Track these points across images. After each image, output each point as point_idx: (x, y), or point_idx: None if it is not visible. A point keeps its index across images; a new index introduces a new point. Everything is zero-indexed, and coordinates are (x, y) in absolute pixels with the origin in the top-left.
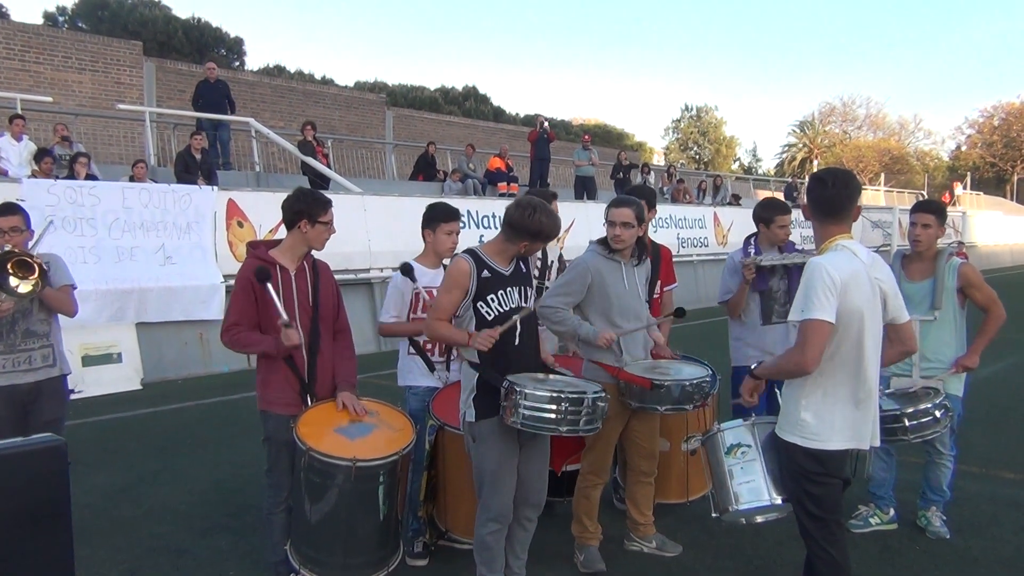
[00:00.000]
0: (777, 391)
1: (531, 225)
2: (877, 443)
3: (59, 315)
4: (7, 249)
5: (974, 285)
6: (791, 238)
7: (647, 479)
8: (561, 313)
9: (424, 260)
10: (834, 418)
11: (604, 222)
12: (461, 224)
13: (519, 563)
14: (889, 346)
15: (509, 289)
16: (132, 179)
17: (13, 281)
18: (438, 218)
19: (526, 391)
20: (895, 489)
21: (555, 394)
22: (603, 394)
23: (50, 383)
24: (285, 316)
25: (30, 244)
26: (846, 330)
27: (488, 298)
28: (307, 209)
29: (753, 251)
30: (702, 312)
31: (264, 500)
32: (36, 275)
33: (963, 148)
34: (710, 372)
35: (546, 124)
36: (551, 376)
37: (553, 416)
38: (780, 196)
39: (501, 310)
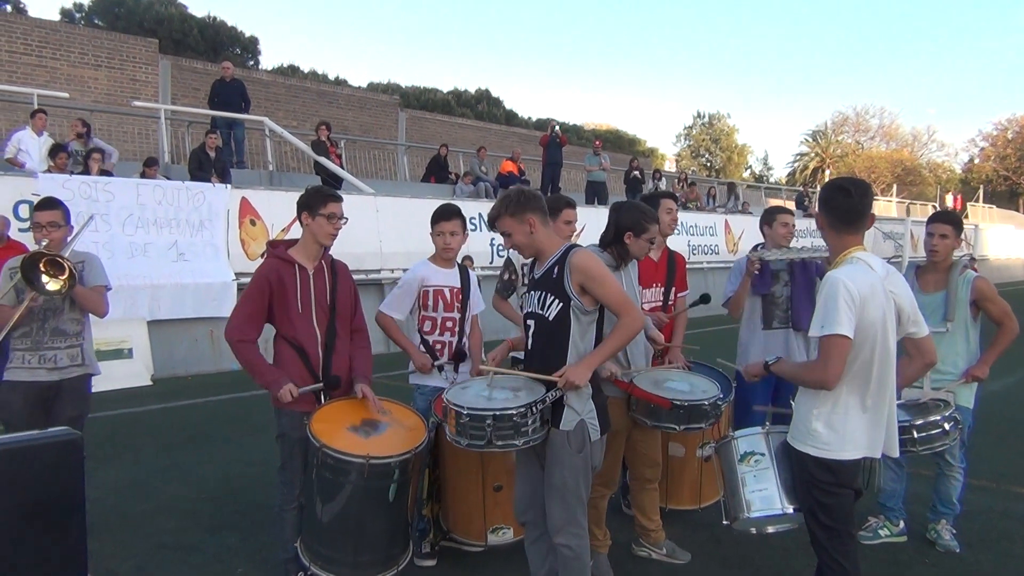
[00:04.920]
0: (791, 400)
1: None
2: (895, 453)
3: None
4: (42, 247)
5: (988, 298)
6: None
7: (651, 485)
8: None
9: (436, 260)
10: (846, 428)
11: (631, 231)
12: (471, 227)
13: None
14: (909, 361)
15: (533, 292)
16: (143, 176)
17: (43, 279)
18: (433, 219)
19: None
20: (905, 501)
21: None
22: (526, 408)
23: (72, 381)
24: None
25: (68, 239)
26: (862, 344)
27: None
28: (307, 201)
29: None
30: (711, 319)
31: (276, 497)
32: (66, 275)
33: (976, 161)
34: (720, 386)
35: (557, 128)
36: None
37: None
38: (791, 204)
39: (523, 312)
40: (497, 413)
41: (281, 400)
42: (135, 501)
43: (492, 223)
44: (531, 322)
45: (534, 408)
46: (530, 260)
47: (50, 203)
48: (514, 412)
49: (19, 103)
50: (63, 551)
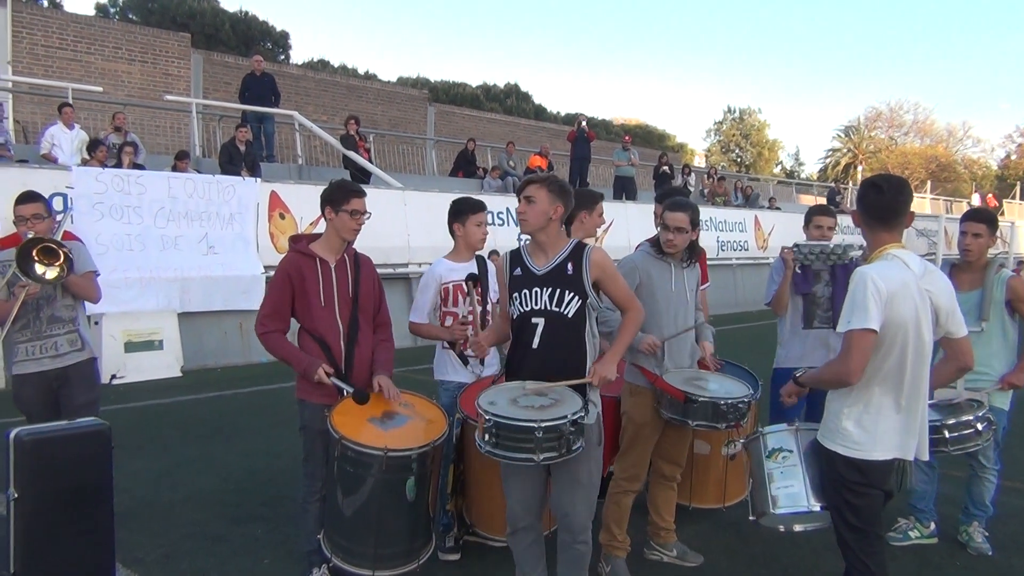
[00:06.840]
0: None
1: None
2: (925, 457)
3: (87, 302)
4: (31, 236)
5: (1022, 299)
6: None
7: (669, 483)
8: (605, 313)
9: (455, 256)
10: (877, 428)
11: (658, 223)
12: (499, 221)
13: None
14: (944, 363)
15: (536, 289)
16: (175, 169)
17: (39, 268)
18: (466, 210)
19: (494, 419)
20: (936, 503)
21: (520, 423)
22: (565, 422)
23: (78, 367)
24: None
25: (53, 231)
26: (891, 342)
27: (513, 296)
28: (330, 197)
29: None
30: (740, 316)
31: (299, 489)
32: (61, 261)
33: (1013, 157)
34: (751, 390)
35: (584, 123)
36: (532, 388)
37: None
38: (823, 201)
39: (522, 310)
40: (573, 419)
41: (318, 380)
42: (163, 491)
43: (526, 184)
44: (538, 320)
45: (587, 405)
46: (509, 253)
47: (31, 196)
48: (582, 412)
49: (55, 97)
50: (92, 538)
